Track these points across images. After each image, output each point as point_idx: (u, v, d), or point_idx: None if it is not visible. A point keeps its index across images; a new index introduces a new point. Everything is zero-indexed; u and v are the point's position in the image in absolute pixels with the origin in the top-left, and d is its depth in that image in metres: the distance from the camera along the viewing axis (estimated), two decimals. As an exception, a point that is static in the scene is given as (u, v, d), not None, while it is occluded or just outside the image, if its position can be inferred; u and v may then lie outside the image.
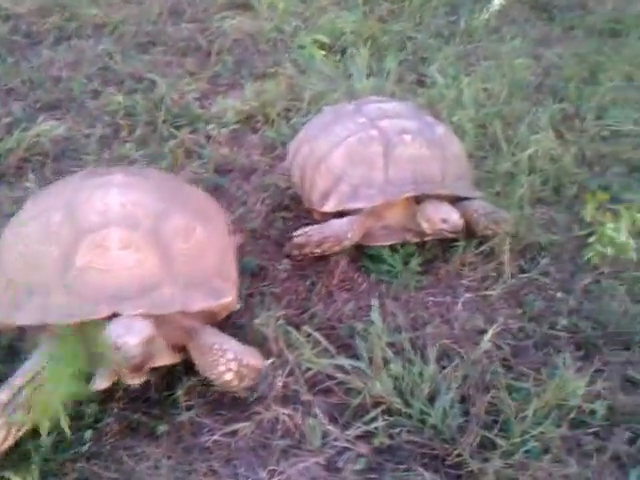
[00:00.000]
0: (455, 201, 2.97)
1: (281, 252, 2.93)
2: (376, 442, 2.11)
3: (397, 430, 2.14)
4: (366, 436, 2.13)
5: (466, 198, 3.01)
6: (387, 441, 2.11)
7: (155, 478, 1.96)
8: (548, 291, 2.79)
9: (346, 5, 5.57)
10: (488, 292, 2.75)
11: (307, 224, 2.99)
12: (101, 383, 2.07)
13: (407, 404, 2.18)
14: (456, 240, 2.90)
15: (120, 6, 5.49)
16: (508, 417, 2.15)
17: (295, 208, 3.19)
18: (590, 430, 2.16)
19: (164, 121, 3.80)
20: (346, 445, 2.10)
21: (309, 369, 2.33)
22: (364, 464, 2.05)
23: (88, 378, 2.08)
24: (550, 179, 3.43)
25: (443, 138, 3.06)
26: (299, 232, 2.86)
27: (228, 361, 2.10)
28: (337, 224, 2.85)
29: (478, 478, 1.99)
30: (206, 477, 1.98)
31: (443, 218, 2.84)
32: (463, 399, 2.23)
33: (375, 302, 2.53)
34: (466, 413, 2.19)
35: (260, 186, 3.33)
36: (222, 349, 2.12)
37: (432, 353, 2.33)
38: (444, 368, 2.31)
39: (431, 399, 2.20)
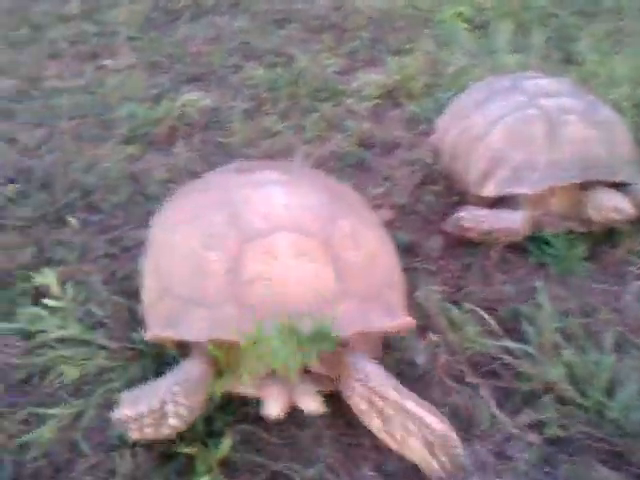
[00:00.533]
0: (619, 186, 2.75)
1: (431, 228, 2.82)
2: (548, 432, 1.96)
3: (571, 421, 1.98)
4: (536, 425, 1.99)
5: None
6: (560, 432, 1.96)
7: (318, 447, 1.90)
8: None
9: (486, -19, 5.36)
10: (660, 282, 2.53)
11: (458, 203, 2.87)
12: (273, 409, 1.79)
13: (582, 394, 2.02)
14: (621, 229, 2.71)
15: (253, -16, 5.52)
16: None
17: (443, 184, 3.06)
18: None
19: (305, 95, 3.75)
20: (515, 432, 1.96)
21: (470, 348, 2.20)
22: (536, 454, 1.91)
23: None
24: None
25: (608, 119, 2.84)
26: (467, 214, 2.71)
27: (352, 388, 1.78)
28: (510, 218, 2.68)
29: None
30: (370, 452, 1.90)
31: (616, 207, 2.63)
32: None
33: (540, 284, 2.37)
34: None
35: (405, 161, 3.23)
36: (362, 383, 1.75)
37: (607, 341, 2.15)
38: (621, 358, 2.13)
39: (609, 391, 2.02)
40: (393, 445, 1.74)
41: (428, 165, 3.17)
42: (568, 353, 2.10)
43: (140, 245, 2.72)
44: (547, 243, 2.68)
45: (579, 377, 2.05)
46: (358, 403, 1.76)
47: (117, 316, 2.36)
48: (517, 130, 2.77)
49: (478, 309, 2.30)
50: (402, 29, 4.79)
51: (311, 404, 1.80)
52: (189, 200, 2.18)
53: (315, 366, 1.85)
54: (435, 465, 1.71)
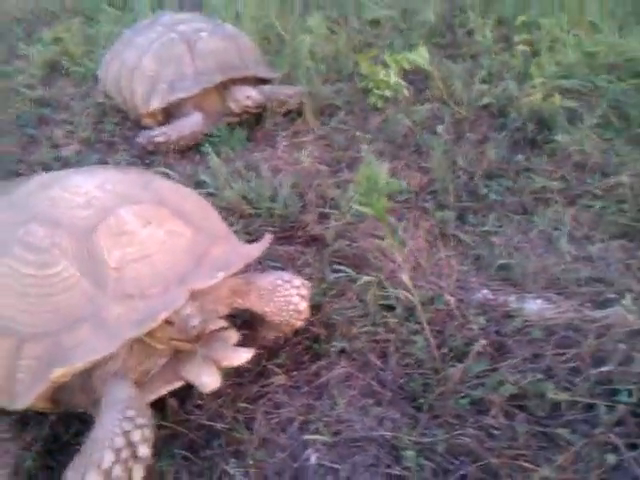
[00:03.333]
0: (256, 85, 3.48)
1: (116, 149, 3.28)
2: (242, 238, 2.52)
3: (253, 228, 2.58)
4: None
5: (264, 82, 3.54)
6: (248, 237, 2.55)
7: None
8: (348, 133, 3.37)
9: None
10: (302, 139, 3.28)
11: (135, 126, 3.39)
12: (211, 382, 1.73)
13: (256, 207, 2.65)
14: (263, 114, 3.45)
15: None
16: (336, 200, 2.69)
17: (119, 116, 3.54)
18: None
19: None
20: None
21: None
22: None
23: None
24: (329, 62, 4.04)
25: (233, 33, 3.57)
26: (156, 132, 3.22)
27: (297, 288, 1.96)
28: (190, 122, 3.25)
29: (322, 238, 2.50)
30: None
31: (247, 95, 3.35)
32: (300, 196, 2.74)
33: (212, 159, 2.95)
34: (302, 206, 2.69)
35: (81, 107, 3.63)
36: (286, 279, 1.95)
37: (265, 171, 2.83)
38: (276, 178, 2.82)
39: (272, 199, 2.68)
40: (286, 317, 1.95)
41: (101, 104, 3.60)
42: (238, 185, 2.72)
43: None
44: (211, 136, 3.29)
45: (249, 199, 2.69)
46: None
47: None
48: (163, 52, 3.36)
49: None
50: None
51: (239, 356, 1.80)
52: None
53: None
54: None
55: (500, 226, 2.58)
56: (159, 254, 1.72)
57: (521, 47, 3.81)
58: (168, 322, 1.67)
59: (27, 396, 1.59)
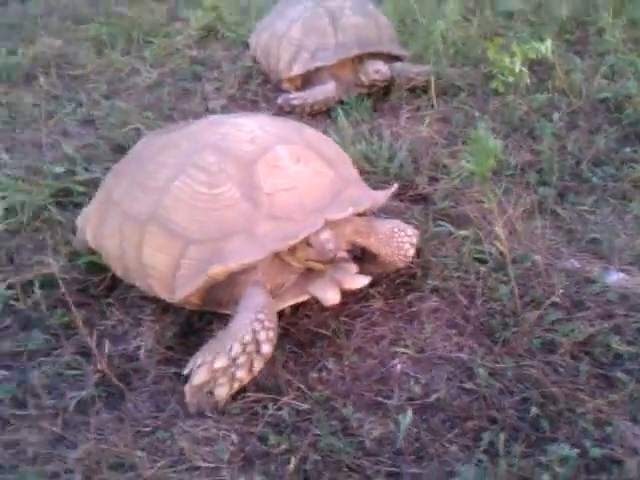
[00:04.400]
0: (387, 62, 3.80)
1: (259, 107, 3.70)
2: (355, 191, 2.88)
3: (369, 183, 2.90)
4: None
5: (396, 59, 3.85)
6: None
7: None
8: (468, 112, 3.63)
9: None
10: (423, 113, 3.58)
11: (275, 89, 3.81)
12: (333, 297, 2.04)
13: (374, 165, 2.98)
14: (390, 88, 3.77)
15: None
16: (447, 166, 2.97)
17: (262, 78, 3.97)
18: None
19: (140, 37, 4.51)
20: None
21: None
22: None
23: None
24: (459, 47, 4.30)
25: (372, 11, 3.92)
26: (294, 95, 3.64)
27: (410, 237, 2.26)
28: (325, 89, 3.63)
29: (430, 198, 2.80)
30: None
31: (375, 69, 3.68)
32: (414, 160, 3.04)
33: (341, 119, 3.31)
34: (416, 168, 3.00)
35: (231, 68, 4.09)
36: (401, 229, 2.25)
37: (387, 136, 3.15)
38: (395, 142, 3.14)
39: (390, 159, 3.00)
40: (396, 258, 2.26)
41: (249, 67, 4.06)
42: (361, 145, 3.07)
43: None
44: (342, 102, 3.65)
45: (369, 158, 3.03)
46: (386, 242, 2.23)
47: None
48: (310, 24, 3.74)
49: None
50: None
51: (358, 281, 2.11)
52: (160, 160, 2.18)
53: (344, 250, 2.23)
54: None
55: (598, 207, 2.78)
56: (304, 187, 2.05)
57: (649, 48, 3.92)
58: (309, 245, 1.99)
59: (186, 288, 1.96)
